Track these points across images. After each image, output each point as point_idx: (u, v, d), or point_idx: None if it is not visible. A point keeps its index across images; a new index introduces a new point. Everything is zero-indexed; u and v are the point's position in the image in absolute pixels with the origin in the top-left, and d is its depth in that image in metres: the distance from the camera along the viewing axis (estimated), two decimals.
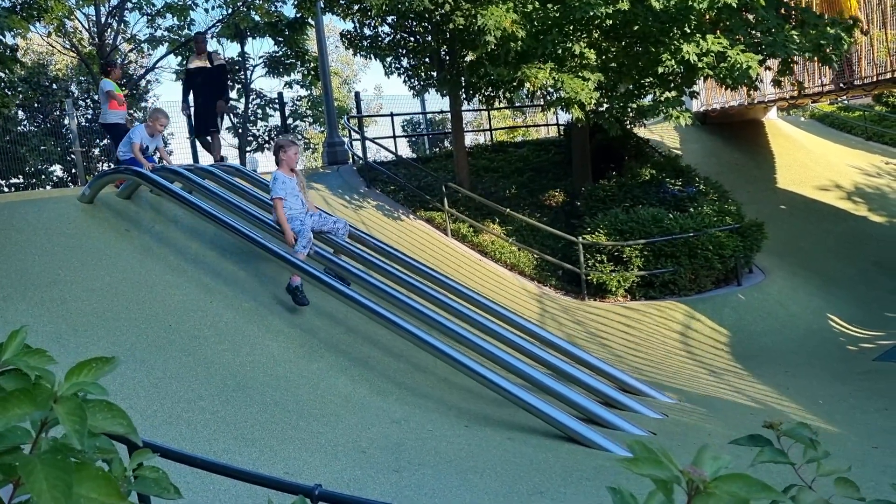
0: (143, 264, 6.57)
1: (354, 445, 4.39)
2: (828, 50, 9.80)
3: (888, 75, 13.20)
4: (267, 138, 19.71)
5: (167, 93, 48.21)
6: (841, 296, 11.27)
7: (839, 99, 19.30)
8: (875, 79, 13.46)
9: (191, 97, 10.81)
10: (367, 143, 14.84)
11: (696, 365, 8.65)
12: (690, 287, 10.52)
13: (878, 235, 13.77)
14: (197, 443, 4.08)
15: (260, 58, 18.99)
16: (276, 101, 17.92)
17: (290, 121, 19.25)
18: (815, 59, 10.16)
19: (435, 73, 12.03)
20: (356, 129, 15.30)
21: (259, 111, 19.53)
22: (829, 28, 9.77)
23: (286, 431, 4.47)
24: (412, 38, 12.29)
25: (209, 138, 10.82)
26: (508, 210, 11.46)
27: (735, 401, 7.31)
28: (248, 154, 19.39)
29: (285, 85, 19.54)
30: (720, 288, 10.76)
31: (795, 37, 9.57)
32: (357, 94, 18.25)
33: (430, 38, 12.03)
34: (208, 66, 10.66)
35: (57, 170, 17.65)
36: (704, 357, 8.94)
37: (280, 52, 18.32)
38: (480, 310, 6.91)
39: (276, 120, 19.06)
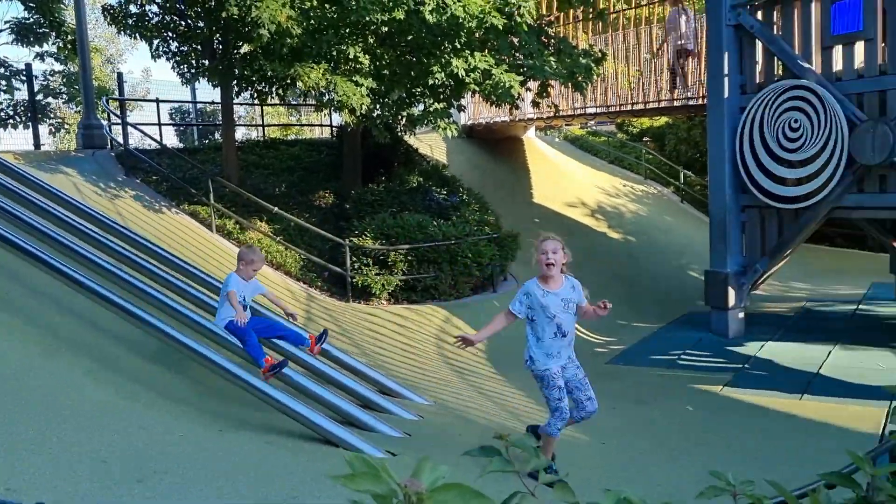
0: None
1: (93, 454, 4.09)
2: (579, 77, 10.72)
3: (629, 106, 14.76)
4: (11, 113, 17.72)
5: None
6: None
7: (588, 123, 21.14)
8: (618, 108, 14.99)
9: None
10: (129, 128, 13.89)
11: (452, 368, 9.05)
12: (450, 292, 11.00)
13: (615, 250, 15.26)
14: None
15: (6, 22, 17.02)
16: (24, 72, 16.19)
17: (39, 97, 17.45)
18: (569, 84, 11.04)
19: (206, 62, 11.53)
20: (117, 112, 14.26)
21: (2, 82, 17.49)
22: (581, 58, 10.70)
23: (11, 440, 4.06)
24: (183, 22, 11.69)
25: None
26: (277, 208, 11.26)
27: (487, 402, 7.76)
28: None
29: (36, 56, 17.69)
30: (477, 294, 11.36)
31: (553, 63, 10.36)
32: (120, 75, 17.04)
33: (202, 25, 11.51)
34: None
35: None
36: (461, 360, 9.37)
37: (31, 19, 16.55)
38: None
39: (22, 94, 17.20)
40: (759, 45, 9.77)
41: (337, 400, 5.53)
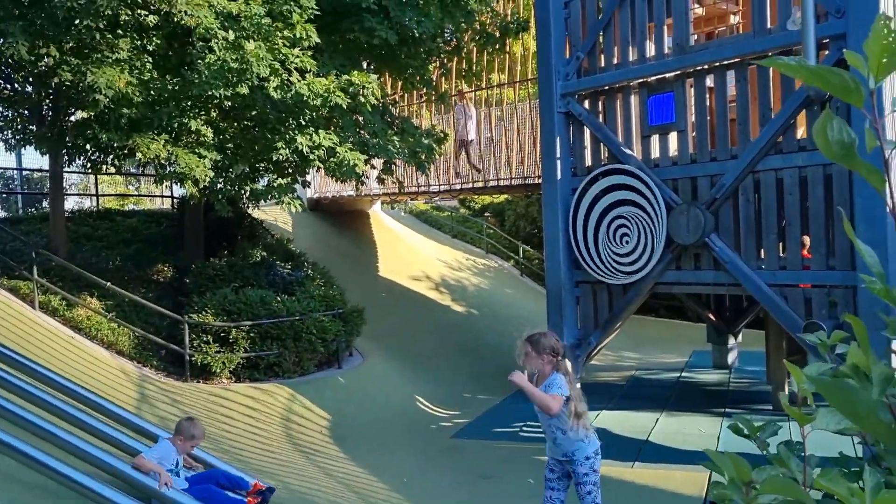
0: None
1: None
2: (422, 157, 11.06)
3: (470, 184, 15.37)
4: None
5: None
6: (428, 378, 12.45)
7: (432, 199, 21.72)
8: (460, 185, 15.56)
9: None
10: None
11: (295, 448, 8.81)
12: (294, 370, 10.78)
13: (458, 323, 15.58)
14: None
15: None
16: None
17: None
18: (413, 163, 11.36)
19: (34, 128, 10.93)
20: None
21: None
22: (423, 138, 11.07)
23: None
24: (8, 86, 11.06)
25: None
26: (109, 283, 10.69)
27: (333, 484, 7.59)
28: None
29: None
30: (322, 370, 11.19)
31: (396, 142, 10.65)
32: None
33: (30, 90, 10.94)
34: None
35: None
36: (305, 439, 9.15)
37: None
38: (63, 394, 6.30)
39: None
40: (587, 131, 10.51)
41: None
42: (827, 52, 8.17)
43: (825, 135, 1.10)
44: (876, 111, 1.12)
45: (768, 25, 8.66)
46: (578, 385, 4.72)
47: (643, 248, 9.60)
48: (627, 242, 9.77)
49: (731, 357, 13.25)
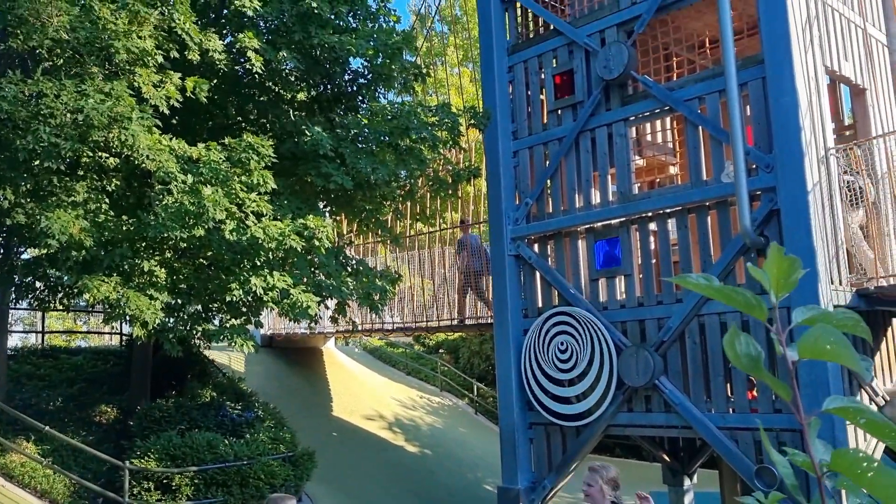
0: None
1: None
2: (376, 297, 11.15)
3: (423, 323, 15.45)
4: None
5: None
6: None
7: (386, 336, 21.68)
8: (414, 324, 15.63)
9: None
10: None
11: None
12: None
13: (411, 463, 15.21)
14: None
15: None
16: None
17: None
18: (367, 304, 11.41)
19: None
20: None
21: None
22: (378, 280, 11.21)
23: None
24: None
25: None
26: (47, 427, 10.29)
27: None
28: None
29: None
30: None
31: (350, 283, 10.75)
32: None
33: None
34: None
35: None
36: None
37: None
38: None
39: None
40: (537, 274, 10.78)
41: None
42: (759, 203, 8.65)
43: (734, 348, 1.21)
44: (779, 323, 1.24)
45: (704, 177, 9.18)
46: None
47: (590, 386, 9.68)
48: (571, 361, 9.84)
49: (688, 499, 13.10)
